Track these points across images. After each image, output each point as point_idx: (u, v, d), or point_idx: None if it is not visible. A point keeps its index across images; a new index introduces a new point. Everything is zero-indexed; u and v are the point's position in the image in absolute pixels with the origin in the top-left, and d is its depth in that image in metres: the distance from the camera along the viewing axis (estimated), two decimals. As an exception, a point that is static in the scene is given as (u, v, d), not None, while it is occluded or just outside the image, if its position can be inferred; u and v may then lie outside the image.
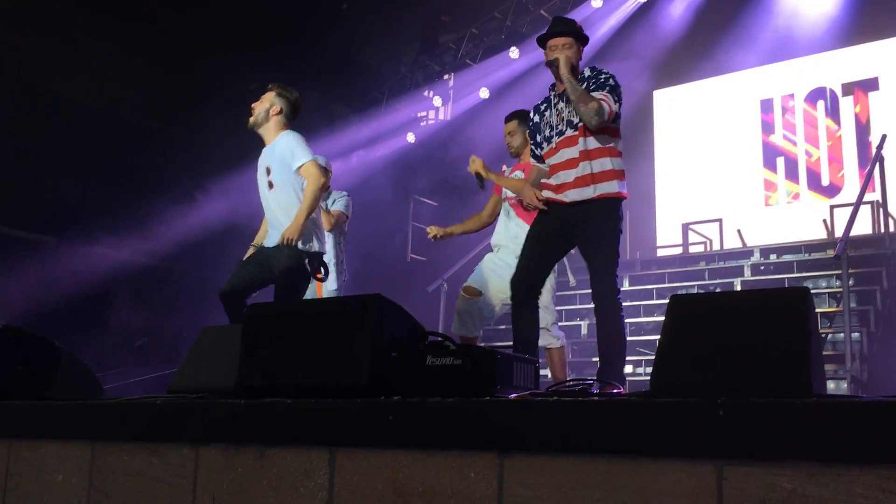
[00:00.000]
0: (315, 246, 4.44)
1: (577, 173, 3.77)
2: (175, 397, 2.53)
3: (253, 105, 4.61)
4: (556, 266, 4.84)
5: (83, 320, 7.55)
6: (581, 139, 3.79)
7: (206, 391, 2.51)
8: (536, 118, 4.04)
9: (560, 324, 7.76)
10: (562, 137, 3.85)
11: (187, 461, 2.25)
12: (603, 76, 3.88)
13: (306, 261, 4.38)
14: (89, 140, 8.22)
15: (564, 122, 3.86)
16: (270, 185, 4.52)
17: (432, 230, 5.08)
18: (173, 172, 8.81)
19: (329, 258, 5.53)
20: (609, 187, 3.80)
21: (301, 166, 4.41)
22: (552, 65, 3.83)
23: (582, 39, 3.94)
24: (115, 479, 2.40)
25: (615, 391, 2.26)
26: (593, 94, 3.77)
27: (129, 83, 8.86)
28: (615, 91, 3.82)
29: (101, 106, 8.67)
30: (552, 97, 3.97)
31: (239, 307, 4.33)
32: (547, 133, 3.94)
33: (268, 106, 4.58)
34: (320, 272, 4.46)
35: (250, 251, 4.66)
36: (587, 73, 3.93)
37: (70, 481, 2.50)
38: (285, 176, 4.46)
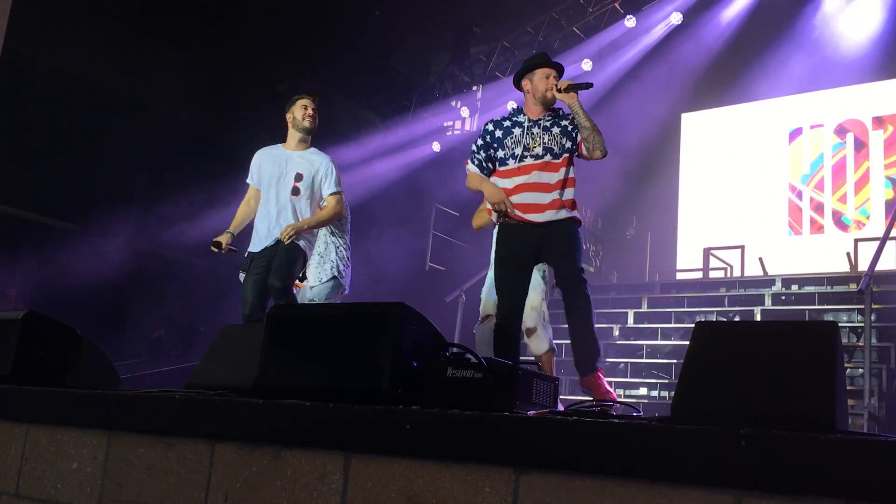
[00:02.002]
0: (302, 244, 4.70)
1: (553, 197, 3.95)
2: (193, 392, 2.54)
3: (315, 109, 4.87)
4: (544, 269, 4.88)
5: (102, 310, 7.61)
6: (563, 168, 3.99)
7: (224, 388, 2.52)
8: (499, 133, 4.12)
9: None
10: (538, 161, 3.98)
11: (202, 457, 2.26)
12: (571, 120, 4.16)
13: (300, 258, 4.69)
14: (118, 130, 8.29)
15: (543, 149, 3.99)
16: (296, 190, 4.74)
17: None
18: (198, 166, 8.88)
19: (316, 254, 5.62)
20: (575, 212, 4.04)
21: (335, 193, 4.80)
22: (573, 88, 3.99)
23: (561, 73, 4.19)
24: (130, 470, 2.41)
25: (635, 414, 2.24)
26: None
27: (160, 76, 8.95)
28: None
29: (132, 97, 8.75)
30: (525, 121, 4.09)
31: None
32: (517, 151, 4.03)
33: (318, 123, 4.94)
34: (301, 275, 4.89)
35: (224, 236, 4.82)
36: (566, 112, 4.14)
37: (85, 469, 2.51)
38: (314, 192, 4.79)
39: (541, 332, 4.87)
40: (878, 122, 10.79)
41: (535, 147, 4.00)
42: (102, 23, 8.58)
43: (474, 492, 1.82)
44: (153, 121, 8.82)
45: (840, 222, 10.77)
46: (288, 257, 4.58)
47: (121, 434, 2.47)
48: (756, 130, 11.69)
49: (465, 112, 12.35)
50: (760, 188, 11.43)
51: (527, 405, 2.13)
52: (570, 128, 4.03)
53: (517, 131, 4.07)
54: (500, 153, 4.09)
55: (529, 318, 4.93)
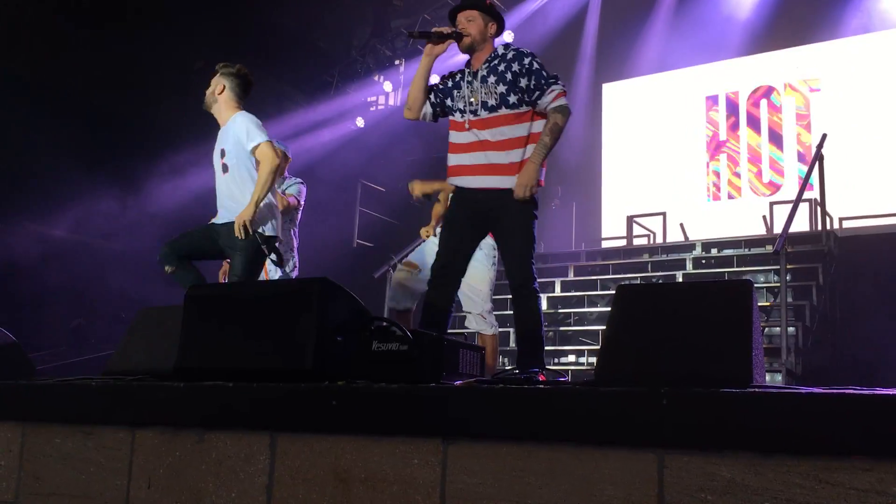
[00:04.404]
0: (269, 229, 4.32)
1: (495, 160, 3.63)
2: (111, 379, 2.46)
3: (210, 84, 4.50)
4: (495, 256, 4.89)
5: (16, 299, 7.32)
6: (504, 126, 3.64)
7: (144, 373, 2.45)
8: (450, 83, 3.83)
9: (506, 312, 7.80)
10: (477, 117, 3.67)
11: (123, 444, 2.19)
12: (527, 60, 3.67)
13: (263, 245, 4.27)
14: (24, 114, 7.94)
15: (480, 104, 3.68)
16: (225, 168, 4.36)
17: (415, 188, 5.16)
18: (113, 149, 8.58)
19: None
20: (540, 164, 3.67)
21: (256, 147, 4.26)
22: (457, 37, 3.74)
23: (489, 13, 3.80)
24: (47, 461, 2.32)
25: (561, 379, 2.26)
26: (548, 94, 3.63)
27: (69, 57, 8.59)
28: (551, 74, 3.69)
29: (37, 79, 8.38)
30: (467, 73, 3.79)
31: (179, 263, 4.23)
32: (460, 105, 3.75)
33: (213, 87, 4.47)
34: (274, 255, 4.34)
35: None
36: (507, 53, 3.74)
37: (-1, 464, 2.41)
38: (240, 158, 4.32)
39: (485, 316, 4.92)
40: (791, 87, 11.12)
41: (475, 103, 3.69)
42: (10, 10, 8.17)
43: (403, 464, 1.81)
44: (63, 104, 8.47)
45: (756, 186, 11.10)
46: (245, 261, 4.20)
47: (36, 425, 2.38)
48: (674, 98, 11.92)
49: (388, 87, 12.24)
50: (680, 155, 11.69)
51: (454, 375, 2.13)
52: (508, 76, 3.65)
53: (463, 85, 3.77)
54: (450, 102, 3.79)
55: (475, 302, 4.96)
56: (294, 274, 5.72)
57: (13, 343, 3.09)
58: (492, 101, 3.66)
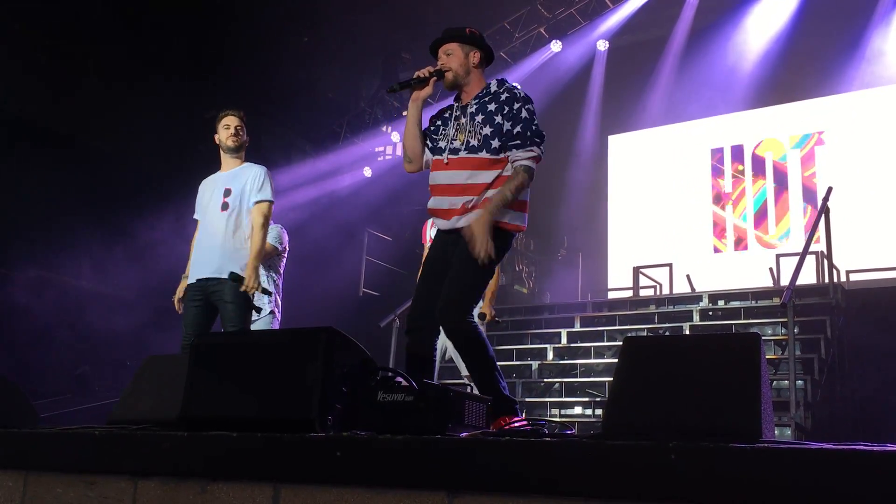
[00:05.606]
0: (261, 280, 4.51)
1: (466, 201, 3.35)
2: (115, 428, 2.45)
3: (238, 126, 4.65)
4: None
5: (22, 345, 7.32)
6: (477, 170, 3.36)
7: (148, 422, 2.43)
8: (438, 121, 3.61)
9: (511, 363, 7.77)
10: (456, 156, 3.40)
11: (125, 495, 2.17)
12: (517, 105, 3.38)
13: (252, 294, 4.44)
14: (34, 165, 8.03)
15: (464, 143, 3.40)
16: (225, 205, 4.49)
17: None
18: (125, 198, 8.65)
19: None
20: (497, 215, 3.33)
21: (261, 201, 4.48)
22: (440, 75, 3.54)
23: (469, 42, 3.56)
24: (48, 511, 2.30)
25: (568, 432, 2.25)
26: (526, 150, 3.33)
27: (81, 105, 8.72)
28: (537, 131, 3.37)
29: (50, 129, 8.49)
30: (455, 108, 3.57)
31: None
32: (441, 144, 3.50)
33: (245, 138, 4.68)
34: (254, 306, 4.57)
35: (183, 284, 4.59)
36: (501, 92, 3.47)
37: (-1, 513, 2.39)
38: (243, 203, 4.50)
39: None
40: (796, 140, 11.20)
41: (455, 139, 3.43)
42: (29, 60, 8.31)
43: (407, 517, 1.79)
44: (72, 154, 8.57)
45: (761, 238, 11.11)
46: (238, 308, 4.34)
47: (38, 474, 2.36)
48: (680, 150, 12.01)
49: (395, 137, 12.38)
50: (686, 207, 11.73)
51: (459, 427, 2.11)
52: (498, 118, 3.37)
53: (449, 119, 3.54)
54: (429, 142, 3.57)
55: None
56: (275, 321, 5.66)
57: (17, 390, 3.08)
58: (474, 142, 3.37)
